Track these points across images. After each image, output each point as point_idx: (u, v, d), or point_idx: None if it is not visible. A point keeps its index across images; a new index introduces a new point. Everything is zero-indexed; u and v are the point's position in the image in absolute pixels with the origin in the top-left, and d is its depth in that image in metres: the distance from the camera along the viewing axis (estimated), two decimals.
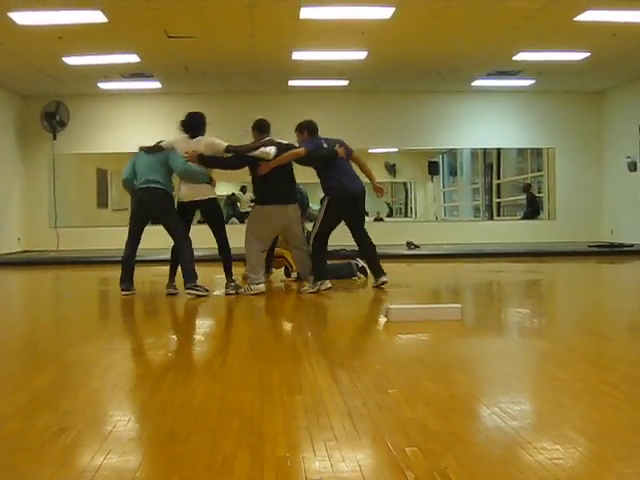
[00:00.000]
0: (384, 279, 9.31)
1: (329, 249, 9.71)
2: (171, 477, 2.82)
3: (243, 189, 24.15)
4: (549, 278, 10.28)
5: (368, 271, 10.01)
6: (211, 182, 9.14)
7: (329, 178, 9.25)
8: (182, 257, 9.10)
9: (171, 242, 9.22)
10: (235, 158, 9.10)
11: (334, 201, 9.17)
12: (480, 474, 2.82)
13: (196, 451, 3.10)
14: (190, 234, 9.23)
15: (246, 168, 9.17)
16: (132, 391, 4.34)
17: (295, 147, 9.28)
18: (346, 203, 9.30)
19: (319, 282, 9.11)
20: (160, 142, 9.36)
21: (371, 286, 9.56)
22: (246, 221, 9.78)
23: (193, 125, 9.29)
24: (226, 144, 8.98)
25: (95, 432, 3.46)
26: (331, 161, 9.27)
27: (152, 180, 8.97)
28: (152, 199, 8.98)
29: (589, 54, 14.49)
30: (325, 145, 9.40)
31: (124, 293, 9.03)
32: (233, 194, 24.66)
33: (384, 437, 3.24)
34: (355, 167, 9.64)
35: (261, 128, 9.53)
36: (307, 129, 9.59)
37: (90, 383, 4.53)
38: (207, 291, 9.05)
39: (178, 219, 9.12)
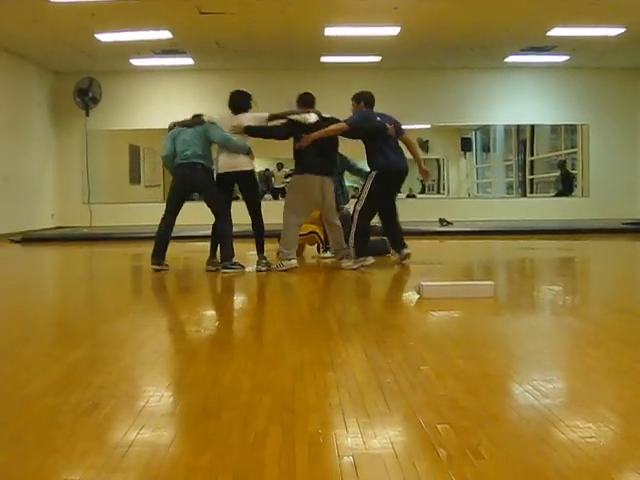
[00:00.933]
0: (407, 251, 9.28)
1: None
2: (203, 452, 2.83)
3: (279, 165, 24.17)
4: (582, 256, 10.21)
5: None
6: (249, 154, 9.12)
7: (376, 152, 9.23)
8: (221, 235, 9.11)
9: (207, 219, 9.19)
10: (279, 127, 9.17)
11: (381, 176, 9.14)
12: (512, 451, 2.81)
13: (228, 427, 3.11)
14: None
15: (290, 141, 9.15)
16: (164, 367, 4.37)
17: (337, 120, 9.22)
18: (391, 179, 9.27)
19: (361, 258, 9.09)
20: (200, 115, 9.39)
21: (402, 263, 9.53)
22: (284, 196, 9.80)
23: (238, 102, 9.32)
24: (268, 113, 9.02)
25: (128, 407, 3.48)
26: (379, 136, 9.20)
27: (192, 155, 8.97)
28: (192, 173, 8.98)
29: (624, 30, 14.33)
30: (377, 119, 9.36)
31: (155, 268, 9.04)
32: (267, 170, 24.66)
33: (416, 414, 3.24)
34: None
35: (306, 102, 9.62)
36: (363, 100, 9.59)
37: (123, 359, 4.56)
38: (243, 267, 9.06)
39: (218, 194, 9.12)
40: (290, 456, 2.78)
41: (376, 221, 9.74)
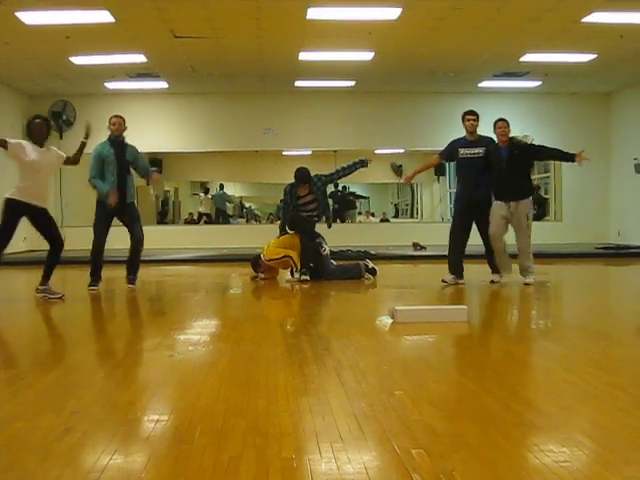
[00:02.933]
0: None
1: (336, 250, 9.94)
2: (177, 478, 2.82)
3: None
4: (555, 280, 10.26)
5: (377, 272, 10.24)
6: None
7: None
8: None
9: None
10: None
11: None
12: (487, 476, 2.82)
13: (202, 452, 3.10)
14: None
15: None
16: (137, 392, 4.34)
17: None
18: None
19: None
20: None
21: (378, 287, 9.55)
22: None
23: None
24: None
25: (101, 432, 3.46)
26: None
27: None
28: None
29: (596, 55, 14.47)
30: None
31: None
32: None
33: (390, 439, 3.24)
34: None
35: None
36: None
37: (95, 383, 4.53)
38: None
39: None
40: None
41: (349, 245, 9.80)
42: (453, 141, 10.28)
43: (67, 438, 3.31)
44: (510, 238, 9.90)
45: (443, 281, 10.03)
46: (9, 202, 8.48)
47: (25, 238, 9.16)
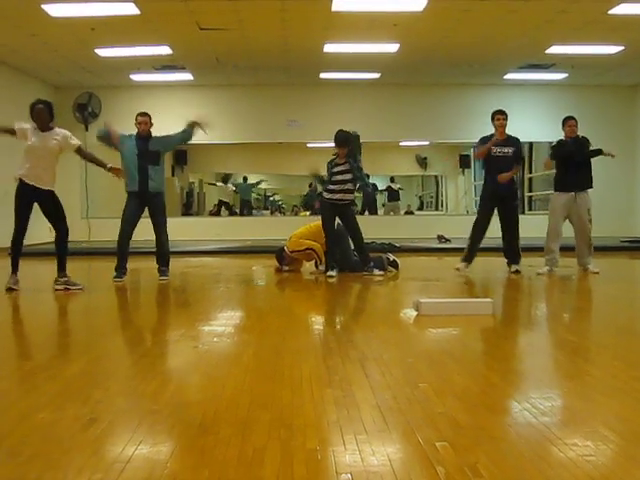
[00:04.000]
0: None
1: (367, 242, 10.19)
2: (202, 468, 2.83)
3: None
4: (580, 273, 10.20)
5: (399, 265, 10.28)
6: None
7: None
8: None
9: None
10: None
11: None
12: (510, 470, 2.81)
13: (227, 443, 3.11)
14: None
15: None
16: (162, 382, 4.35)
17: None
18: None
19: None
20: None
21: (402, 279, 9.55)
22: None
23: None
24: None
25: (126, 423, 3.47)
26: None
27: None
28: None
29: (623, 47, 14.37)
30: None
31: None
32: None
33: (414, 431, 3.24)
34: None
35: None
36: None
37: (120, 373, 4.56)
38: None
39: None
40: (288, 473, 2.78)
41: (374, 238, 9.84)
42: (483, 138, 10.61)
43: (92, 428, 3.33)
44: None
45: (457, 268, 10.44)
46: (20, 183, 8.58)
47: (50, 228, 9.22)
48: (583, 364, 4.82)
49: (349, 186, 10.33)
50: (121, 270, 9.58)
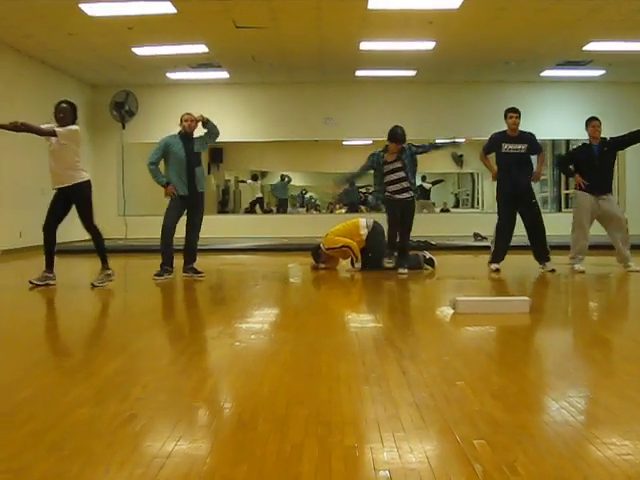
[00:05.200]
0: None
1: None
2: (240, 464, 2.85)
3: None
4: (618, 271, 10.13)
5: (436, 263, 10.26)
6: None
7: None
8: None
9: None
10: None
11: None
12: (548, 468, 2.81)
13: (265, 439, 3.13)
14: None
15: None
16: (201, 379, 4.38)
17: None
18: None
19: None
20: None
21: (438, 277, 9.53)
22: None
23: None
24: None
25: (165, 419, 3.50)
26: None
27: None
28: None
29: None
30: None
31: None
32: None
33: (452, 429, 3.24)
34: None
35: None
36: None
37: (159, 371, 4.59)
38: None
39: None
40: (326, 469, 2.79)
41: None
42: (495, 134, 10.52)
43: (132, 424, 3.37)
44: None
45: (494, 270, 10.27)
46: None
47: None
48: (620, 362, 4.80)
49: (406, 184, 10.15)
50: (165, 269, 9.59)
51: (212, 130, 9.83)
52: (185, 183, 9.57)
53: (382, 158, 10.15)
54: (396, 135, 10.05)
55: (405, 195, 10.11)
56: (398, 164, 10.08)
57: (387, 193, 10.19)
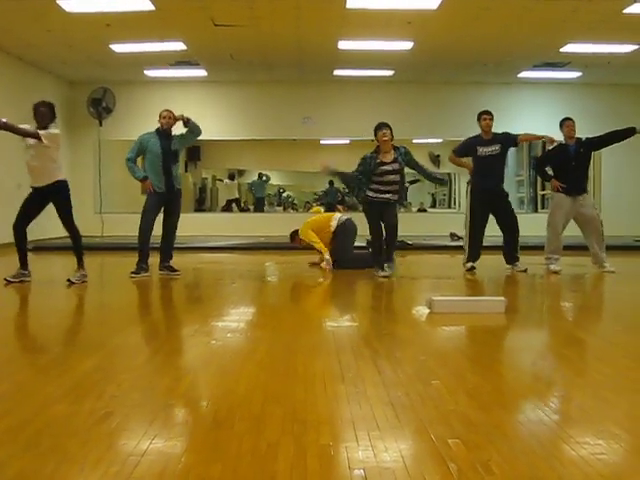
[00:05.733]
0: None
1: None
2: (215, 463, 2.86)
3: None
4: (593, 272, 10.19)
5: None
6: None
7: None
8: None
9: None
10: None
11: None
12: (522, 467, 2.83)
13: (240, 438, 3.14)
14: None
15: None
16: (176, 377, 4.38)
17: None
18: None
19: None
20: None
21: (415, 277, 9.55)
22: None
23: None
24: None
25: (141, 417, 3.50)
26: None
27: None
28: None
29: (638, 46, 14.34)
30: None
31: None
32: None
33: (427, 428, 3.26)
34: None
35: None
36: None
37: (135, 369, 4.58)
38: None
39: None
40: (302, 468, 2.80)
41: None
42: (469, 139, 10.54)
43: (107, 422, 3.37)
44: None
45: (469, 269, 10.37)
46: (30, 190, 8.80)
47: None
48: (595, 363, 4.83)
49: (394, 187, 9.70)
50: (141, 267, 9.57)
51: (193, 130, 9.81)
52: (162, 180, 9.55)
53: (375, 160, 9.62)
54: (379, 124, 9.75)
55: (387, 195, 9.65)
56: (395, 165, 9.61)
57: (368, 194, 9.72)
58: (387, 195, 9.68)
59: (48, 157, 8.63)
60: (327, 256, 10.53)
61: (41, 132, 8.47)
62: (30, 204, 8.72)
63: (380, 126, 9.71)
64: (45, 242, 13.51)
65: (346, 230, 10.63)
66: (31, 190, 8.75)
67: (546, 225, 10.39)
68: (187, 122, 9.72)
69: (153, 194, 9.55)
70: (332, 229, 10.62)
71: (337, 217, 10.97)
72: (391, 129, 9.68)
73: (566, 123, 10.36)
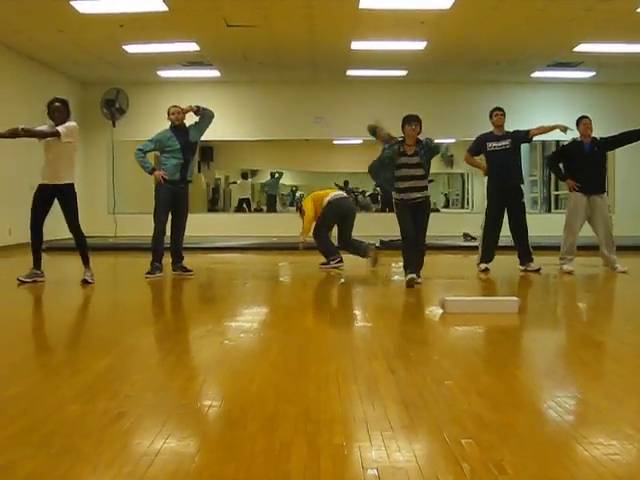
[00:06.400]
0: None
1: (386, 239, 10.04)
2: (229, 462, 2.86)
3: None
4: (607, 272, 10.16)
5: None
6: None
7: None
8: None
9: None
10: None
11: None
12: (536, 467, 2.82)
13: (254, 437, 3.14)
14: None
15: None
16: (190, 377, 4.39)
17: None
18: None
19: None
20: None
21: (428, 277, 9.54)
22: None
23: None
24: None
25: (154, 417, 3.51)
26: None
27: None
28: None
29: None
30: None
31: None
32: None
33: (440, 428, 3.25)
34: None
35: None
36: None
37: (148, 369, 4.59)
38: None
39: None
40: (315, 467, 2.80)
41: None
42: (480, 136, 10.62)
43: (121, 422, 3.37)
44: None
45: (483, 270, 10.31)
46: (37, 187, 8.81)
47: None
48: (608, 363, 4.82)
49: (420, 183, 8.91)
50: (155, 267, 9.56)
51: (206, 114, 9.87)
52: (178, 172, 9.55)
53: (401, 148, 8.87)
54: (407, 115, 9.06)
55: (416, 195, 8.86)
56: (415, 160, 8.81)
57: (395, 194, 9.02)
58: (413, 194, 8.86)
59: (67, 157, 8.69)
60: (304, 238, 10.83)
61: (60, 129, 8.50)
62: (40, 202, 8.73)
63: (409, 120, 8.94)
64: (57, 243, 13.56)
65: (331, 207, 10.62)
66: (38, 188, 8.75)
67: (563, 226, 10.34)
68: (197, 111, 9.77)
69: (164, 185, 9.54)
70: (324, 203, 10.62)
71: (334, 194, 11.05)
72: (421, 123, 8.99)
73: (583, 121, 10.37)
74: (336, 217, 10.72)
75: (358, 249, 10.62)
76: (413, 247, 8.87)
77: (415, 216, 8.92)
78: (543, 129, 10.69)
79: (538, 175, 23.07)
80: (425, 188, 8.98)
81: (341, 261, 10.60)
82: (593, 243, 10.50)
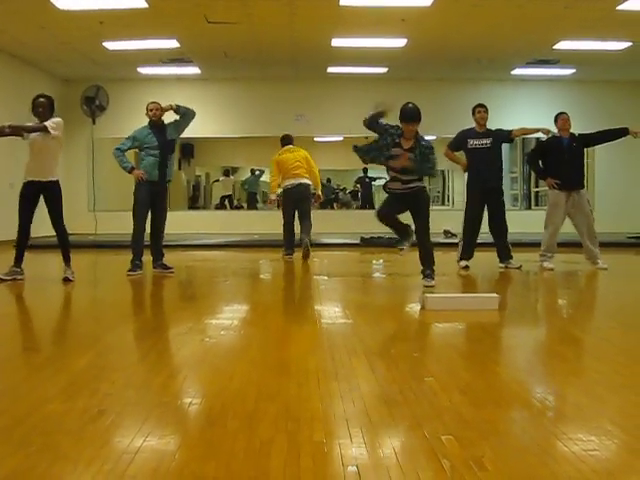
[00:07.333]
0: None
1: (367, 236, 10.06)
2: (209, 460, 2.85)
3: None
4: (587, 269, 10.20)
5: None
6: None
7: None
8: None
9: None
10: None
11: None
12: (515, 464, 2.83)
13: (234, 435, 3.13)
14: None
15: None
16: (170, 375, 4.38)
17: None
18: None
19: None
20: None
21: (408, 274, 9.56)
22: None
23: None
24: None
25: (134, 415, 3.50)
26: None
27: None
28: None
29: (631, 44, 14.36)
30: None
31: None
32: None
33: (420, 425, 3.25)
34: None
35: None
36: None
37: (128, 367, 4.58)
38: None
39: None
40: (295, 465, 2.80)
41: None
42: (461, 132, 10.64)
43: (101, 420, 3.36)
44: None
45: (464, 267, 10.35)
46: (23, 185, 8.75)
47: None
48: (589, 360, 4.84)
49: (404, 177, 8.40)
50: (136, 264, 9.55)
51: (187, 114, 9.85)
52: (156, 171, 9.52)
53: (397, 136, 8.40)
54: (406, 112, 8.49)
55: (410, 185, 8.41)
56: (410, 155, 8.23)
57: (387, 184, 8.65)
58: (404, 185, 8.42)
59: (53, 153, 8.66)
60: (273, 197, 12.10)
61: (48, 123, 8.47)
62: (27, 201, 8.68)
63: (409, 120, 8.42)
64: (37, 240, 13.50)
65: (290, 195, 11.87)
66: (24, 185, 8.70)
67: (544, 224, 10.36)
68: (177, 110, 9.74)
69: (143, 183, 9.52)
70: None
71: (297, 181, 12.09)
72: (420, 120, 8.49)
73: (561, 117, 10.39)
74: (291, 203, 11.72)
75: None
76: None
77: (411, 208, 8.61)
78: (526, 130, 10.75)
79: (518, 172, 23.12)
80: (416, 179, 8.47)
81: (290, 256, 11.70)
82: (574, 240, 10.55)
